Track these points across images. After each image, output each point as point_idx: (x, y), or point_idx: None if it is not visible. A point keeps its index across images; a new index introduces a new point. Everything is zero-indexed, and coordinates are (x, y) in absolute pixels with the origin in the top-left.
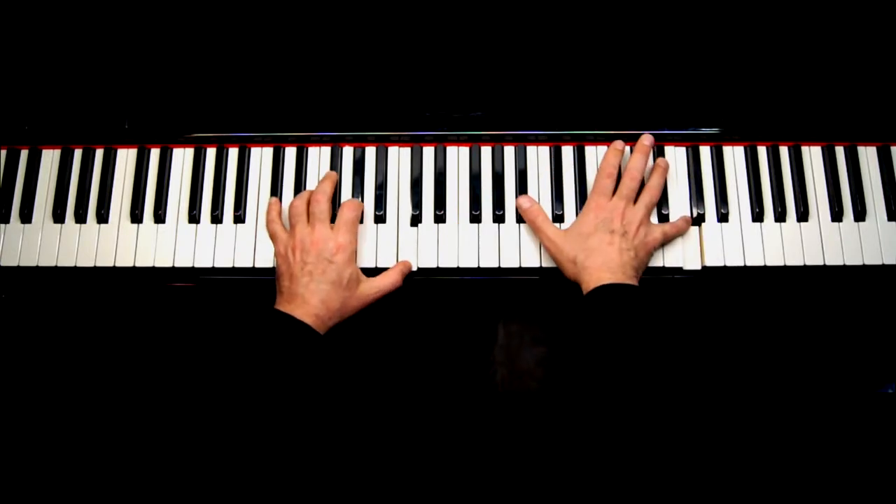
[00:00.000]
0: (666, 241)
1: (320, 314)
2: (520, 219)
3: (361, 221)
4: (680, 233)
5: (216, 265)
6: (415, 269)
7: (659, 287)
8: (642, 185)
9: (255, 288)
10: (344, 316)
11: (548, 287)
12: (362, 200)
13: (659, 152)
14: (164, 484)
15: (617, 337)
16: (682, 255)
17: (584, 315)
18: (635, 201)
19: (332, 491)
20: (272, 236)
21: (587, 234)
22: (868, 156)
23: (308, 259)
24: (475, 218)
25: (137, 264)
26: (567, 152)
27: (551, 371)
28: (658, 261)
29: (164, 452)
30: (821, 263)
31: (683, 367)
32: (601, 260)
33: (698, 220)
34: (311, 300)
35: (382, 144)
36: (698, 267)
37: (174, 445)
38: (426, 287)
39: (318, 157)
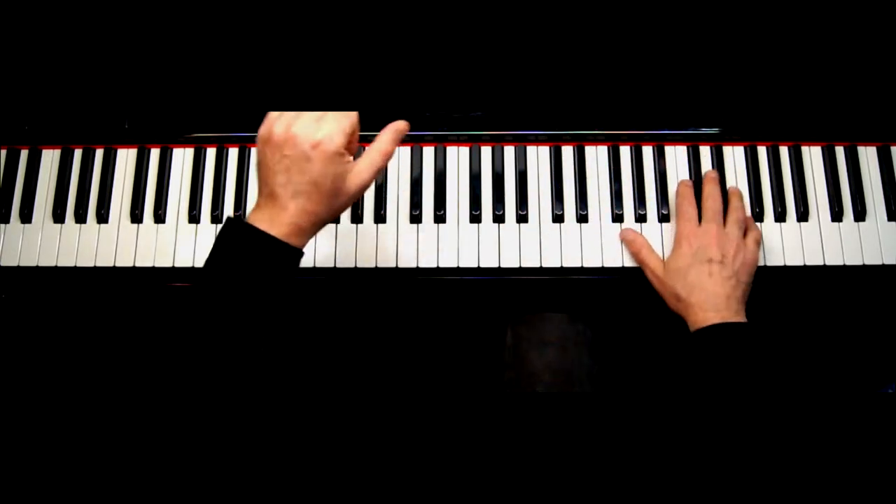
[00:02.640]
0: (759, 241)
1: (300, 223)
2: (520, 219)
3: (361, 221)
4: (755, 224)
5: None
6: (415, 267)
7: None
8: None
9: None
10: (333, 217)
11: (554, 288)
12: (362, 200)
13: (659, 152)
14: (163, 481)
15: (725, 381)
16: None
17: (691, 355)
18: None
19: (339, 491)
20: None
21: (685, 267)
22: (868, 156)
23: (286, 152)
24: (475, 218)
25: (137, 264)
26: (567, 152)
27: (600, 380)
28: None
29: (162, 452)
30: (821, 263)
31: (795, 405)
32: (704, 296)
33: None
34: (290, 206)
35: None
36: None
37: (171, 441)
38: (431, 288)
39: None
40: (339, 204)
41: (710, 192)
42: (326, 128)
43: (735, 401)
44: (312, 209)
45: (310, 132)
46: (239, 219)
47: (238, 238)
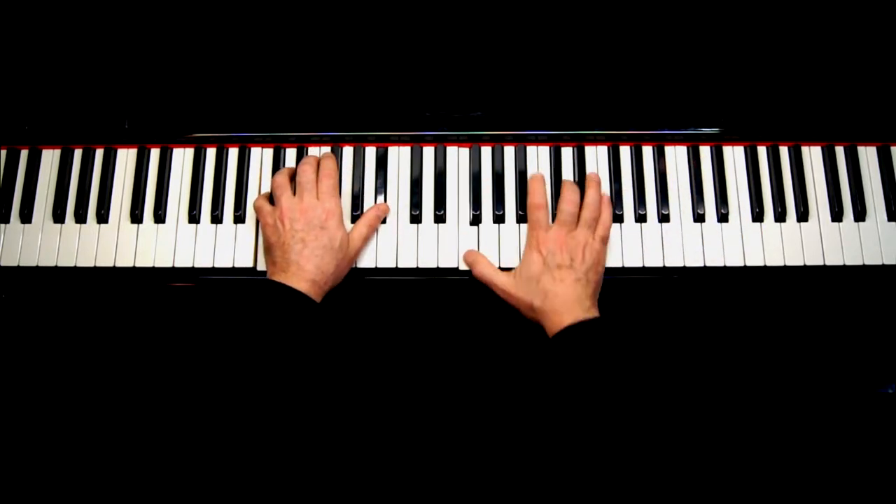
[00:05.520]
0: (607, 238)
1: (317, 279)
2: (520, 219)
3: None
4: (608, 219)
5: (216, 265)
6: (414, 267)
7: (658, 286)
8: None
9: (255, 288)
10: (339, 279)
11: None
12: (362, 201)
13: (659, 152)
14: (164, 482)
15: (588, 380)
16: (682, 254)
17: (551, 361)
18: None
19: (333, 486)
20: (258, 211)
21: (536, 275)
22: (868, 156)
23: (298, 227)
24: (475, 218)
25: (137, 264)
26: (567, 152)
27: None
28: (657, 260)
29: (164, 451)
30: (821, 263)
31: (664, 387)
32: (557, 301)
33: (699, 220)
34: (307, 266)
35: (382, 144)
36: (701, 263)
37: (174, 436)
38: (428, 287)
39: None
40: (343, 265)
41: (566, 195)
42: (329, 201)
43: (596, 400)
44: (325, 268)
45: (317, 205)
46: (268, 279)
47: (265, 293)
